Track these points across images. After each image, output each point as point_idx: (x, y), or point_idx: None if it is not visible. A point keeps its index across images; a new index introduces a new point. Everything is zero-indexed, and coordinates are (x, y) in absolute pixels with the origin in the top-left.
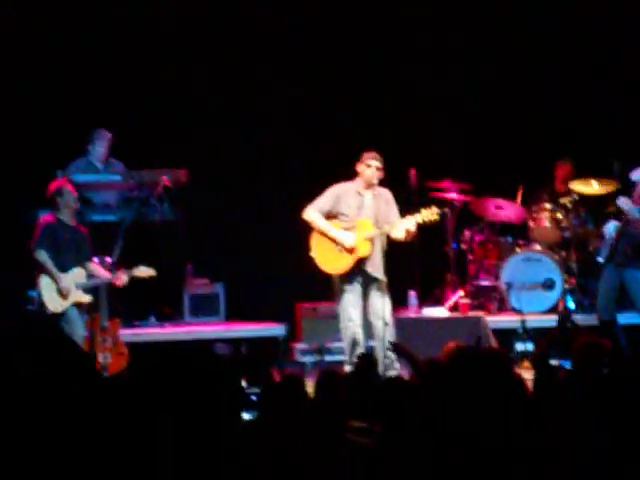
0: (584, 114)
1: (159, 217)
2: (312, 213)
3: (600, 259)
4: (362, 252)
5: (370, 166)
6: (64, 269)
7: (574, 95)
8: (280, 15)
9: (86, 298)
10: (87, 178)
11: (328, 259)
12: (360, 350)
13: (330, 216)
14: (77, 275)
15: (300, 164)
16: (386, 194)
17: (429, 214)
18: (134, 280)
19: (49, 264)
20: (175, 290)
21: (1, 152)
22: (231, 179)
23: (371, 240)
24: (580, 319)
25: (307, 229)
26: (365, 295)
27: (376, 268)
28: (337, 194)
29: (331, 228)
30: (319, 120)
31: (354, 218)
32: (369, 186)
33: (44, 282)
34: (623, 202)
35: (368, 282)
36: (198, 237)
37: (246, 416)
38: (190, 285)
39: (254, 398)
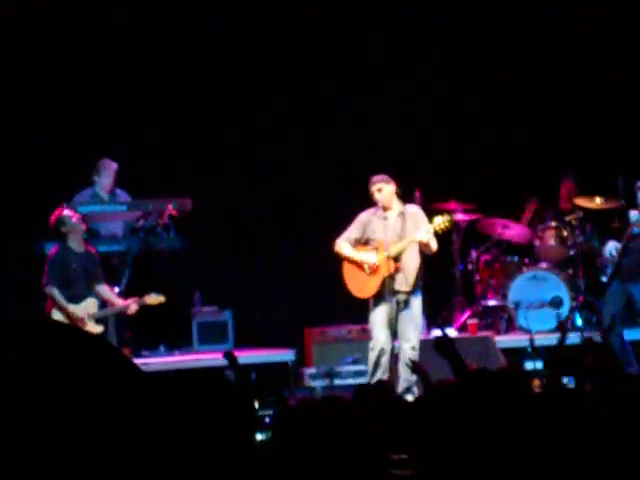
0: (588, 131)
1: (166, 246)
2: (340, 244)
3: (604, 278)
4: (385, 271)
5: (372, 193)
6: (76, 299)
7: (577, 112)
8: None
9: (98, 329)
10: (92, 209)
11: (359, 286)
12: (381, 373)
13: (361, 244)
14: (89, 305)
15: (305, 189)
16: (413, 211)
17: (441, 222)
18: (143, 309)
19: (60, 299)
20: (183, 318)
21: (7, 185)
22: (237, 206)
23: (394, 258)
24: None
25: (323, 255)
26: (396, 315)
27: (404, 283)
28: (363, 222)
29: (354, 252)
30: (324, 145)
31: (382, 240)
32: (386, 208)
33: (57, 316)
34: (635, 214)
35: (399, 301)
36: (205, 265)
37: (259, 437)
38: (198, 313)
39: (267, 420)
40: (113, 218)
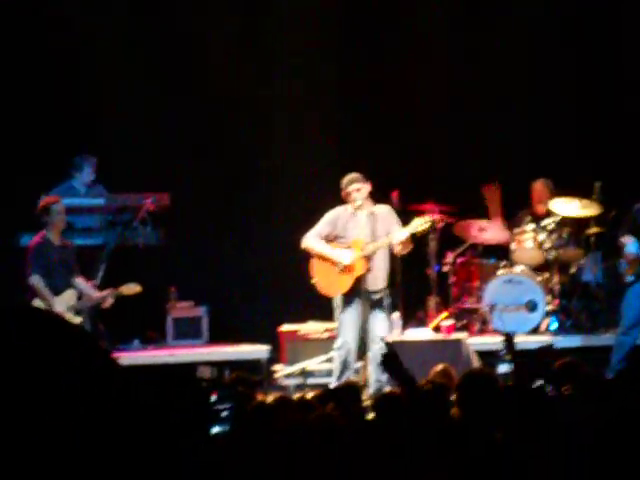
0: (567, 135)
1: (142, 241)
2: (310, 239)
3: (628, 278)
4: (358, 270)
5: (349, 193)
6: (56, 291)
7: (557, 117)
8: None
9: (77, 320)
10: (70, 202)
11: (329, 283)
12: (349, 373)
13: (328, 240)
14: (69, 297)
15: (284, 187)
16: (382, 210)
17: (421, 223)
18: (118, 302)
19: (44, 289)
20: (158, 313)
21: None
22: (214, 202)
23: (367, 258)
24: (562, 340)
25: (300, 253)
26: (364, 315)
27: (375, 283)
28: (333, 219)
29: (328, 249)
30: (303, 142)
31: (351, 239)
32: (358, 208)
33: (38, 305)
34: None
35: (368, 301)
36: (181, 260)
37: (215, 429)
38: (173, 308)
39: (225, 414)
40: (90, 212)
